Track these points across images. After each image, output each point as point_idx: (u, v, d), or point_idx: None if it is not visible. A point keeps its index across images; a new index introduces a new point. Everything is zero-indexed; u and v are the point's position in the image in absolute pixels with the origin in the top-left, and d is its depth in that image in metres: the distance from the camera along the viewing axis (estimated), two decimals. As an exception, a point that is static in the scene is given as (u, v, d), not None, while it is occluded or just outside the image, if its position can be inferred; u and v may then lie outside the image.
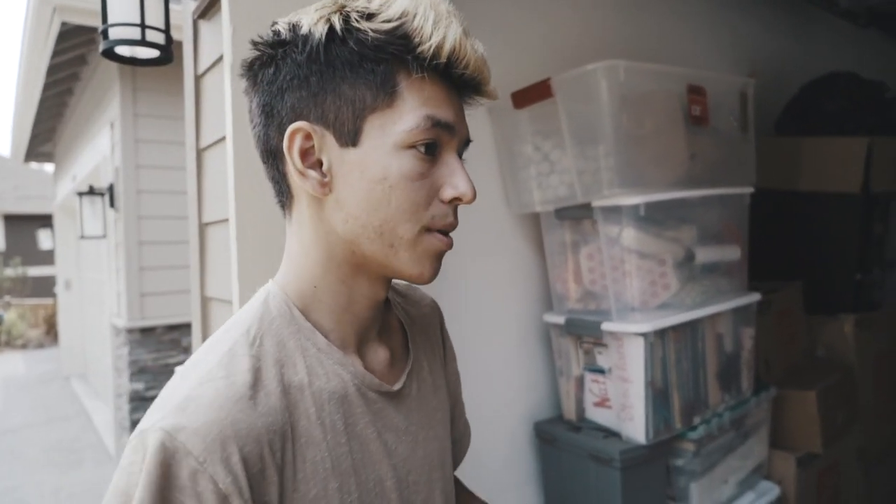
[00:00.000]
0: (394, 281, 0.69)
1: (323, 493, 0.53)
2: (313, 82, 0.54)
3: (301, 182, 0.57)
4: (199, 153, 1.35)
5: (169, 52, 1.18)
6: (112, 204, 3.85)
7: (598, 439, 1.53)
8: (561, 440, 1.60)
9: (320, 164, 0.56)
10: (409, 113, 0.54)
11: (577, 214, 1.56)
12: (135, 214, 3.74)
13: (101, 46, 1.14)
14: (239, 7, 1.07)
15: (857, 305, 2.18)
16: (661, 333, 1.49)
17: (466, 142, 0.60)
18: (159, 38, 1.15)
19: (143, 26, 1.14)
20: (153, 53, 1.18)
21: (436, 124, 0.54)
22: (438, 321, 0.78)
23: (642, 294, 1.50)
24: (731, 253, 1.70)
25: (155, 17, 1.14)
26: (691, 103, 1.56)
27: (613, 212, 1.48)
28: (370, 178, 0.54)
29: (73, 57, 4.19)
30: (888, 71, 2.62)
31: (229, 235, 1.02)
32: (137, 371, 3.75)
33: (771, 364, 1.97)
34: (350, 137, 0.55)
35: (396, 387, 0.63)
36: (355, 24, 0.53)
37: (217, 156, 1.25)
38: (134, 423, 3.75)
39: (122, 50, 1.16)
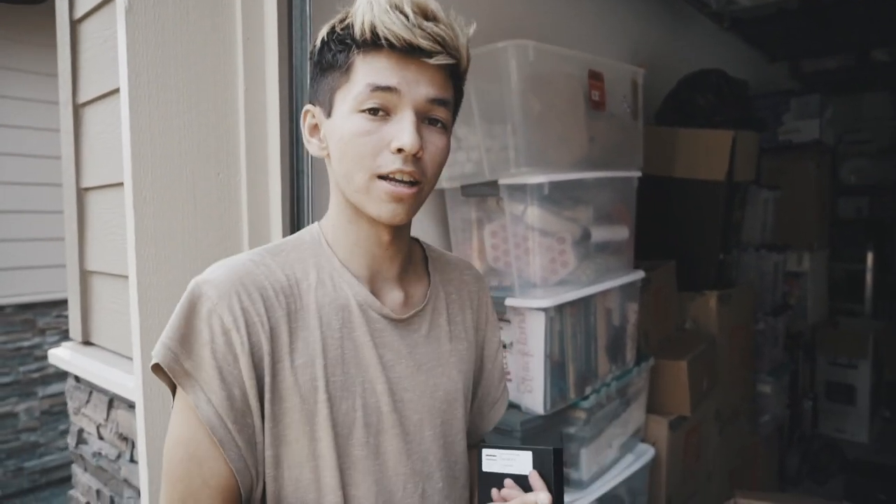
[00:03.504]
0: (440, 249, 0.90)
1: (310, 363, 0.69)
2: (316, 76, 0.73)
3: (308, 147, 0.76)
4: (77, 109, 1.20)
5: (43, -9, 1.02)
6: (-53, 166, 3.34)
7: (498, 411, 1.58)
8: (462, 413, 1.63)
9: (319, 133, 0.74)
10: (357, 84, 0.67)
11: (483, 192, 1.58)
12: (-22, 179, 3.27)
13: (-43, -24, 0.97)
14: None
15: (718, 283, 2.42)
16: (560, 309, 1.56)
17: (433, 100, 0.69)
18: (31, -28, 0.99)
19: (9, -43, 0.97)
20: (23, -10, 1.02)
21: (376, 89, 0.66)
22: (478, 290, 0.90)
23: (543, 271, 1.55)
24: (621, 233, 1.81)
25: (26, -52, 0.99)
26: (591, 88, 1.63)
27: (519, 190, 1.51)
28: (337, 139, 0.69)
29: None
30: (741, 71, 2.90)
31: (124, 201, 0.92)
32: (-18, 356, 3.32)
33: (649, 336, 2.13)
34: (328, 110, 0.71)
35: (399, 316, 0.76)
36: (334, 30, 0.70)
37: (102, 111, 1.12)
38: (-21, 415, 3.32)
39: (-17, -18, 0.99)
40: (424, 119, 0.69)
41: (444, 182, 1.63)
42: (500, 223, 1.60)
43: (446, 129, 0.72)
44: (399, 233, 0.75)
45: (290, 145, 1.12)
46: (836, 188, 4.21)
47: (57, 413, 3.63)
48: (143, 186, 0.91)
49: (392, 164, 0.67)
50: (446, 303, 0.83)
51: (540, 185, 1.48)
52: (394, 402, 0.73)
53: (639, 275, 1.87)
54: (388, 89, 0.66)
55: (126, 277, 1.11)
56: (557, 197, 1.57)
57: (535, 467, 0.71)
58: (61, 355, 1.24)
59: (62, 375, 3.63)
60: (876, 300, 4.17)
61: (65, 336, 3.62)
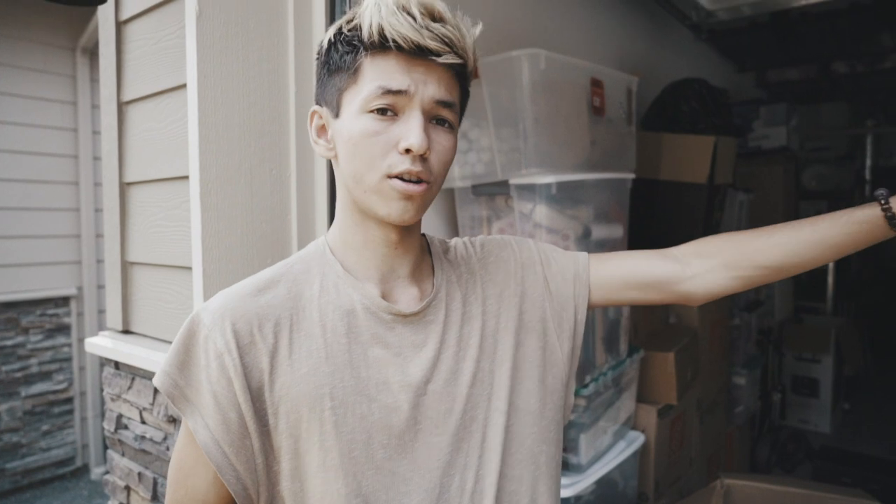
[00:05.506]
0: (472, 237, 0.89)
1: (314, 372, 0.69)
2: (322, 77, 0.73)
3: (316, 149, 0.77)
4: (121, 107, 1.25)
5: (101, -7, 1.08)
6: (-75, 162, 3.27)
7: (506, 398, 1.67)
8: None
9: (327, 134, 0.75)
10: (366, 85, 0.68)
11: (494, 191, 1.67)
12: (-43, 175, 3.22)
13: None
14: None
15: (699, 280, 2.56)
16: (565, 301, 1.66)
17: (440, 102, 0.70)
18: (91, -24, 1.05)
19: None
20: (83, -7, 1.07)
21: (386, 91, 0.67)
22: (519, 262, 0.87)
23: (549, 265, 1.65)
24: (617, 231, 1.93)
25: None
26: (593, 95, 1.74)
27: (528, 189, 1.61)
28: (345, 140, 0.70)
29: None
30: (714, 80, 3.06)
31: (189, 193, 0.98)
32: (-37, 355, 3.26)
33: (638, 329, 2.26)
34: (336, 111, 0.72)
35: (409, 310, 0.75)
36: (341, 31, 0.70)
37: (151, 110, 1.17)
38: (-42, 415, 3.26)
39: (45, -15, 1.04)
40: (432, 119, 0.70)
41: (455, 181, 1.72)
42: (509, 220, 1.69)
43: (453, 128, 0.73)
44: (408, 231, 0.76)
45: (332, 144, 1.19)
46: (798, 193, 4.43)
47: (39, 413, 3.58)
48: (209, 180, 0.97)
49: (401, 164, 0.67)
50: (457, 284, 0.81)
51: (548, 185, 1.58)
52: (415, 398, 0.72)
53: (632, 271, 1.98)
54: (398, 92, 0.67)
55: (171, 267, 1.17)
56: (562, 196, 1.68)
57: None
58: (102, 343, 1.28)
59: (45, 375, 3.60)
60: (836, 299, 4.42)
61: (49, 335, 3.57)
